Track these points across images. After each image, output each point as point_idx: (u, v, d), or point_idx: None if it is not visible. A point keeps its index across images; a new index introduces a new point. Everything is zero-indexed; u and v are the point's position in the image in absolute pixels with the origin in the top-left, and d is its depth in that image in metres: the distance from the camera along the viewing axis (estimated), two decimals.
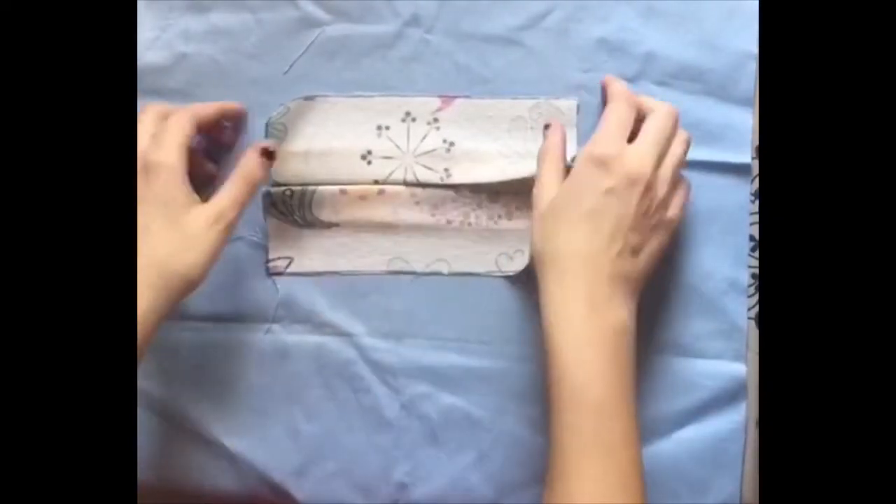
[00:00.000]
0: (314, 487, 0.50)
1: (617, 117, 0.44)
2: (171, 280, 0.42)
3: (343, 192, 0.49)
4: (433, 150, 0.49)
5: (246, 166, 0.46)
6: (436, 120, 0.49)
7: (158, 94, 0.50)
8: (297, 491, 0.50)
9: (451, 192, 0.49)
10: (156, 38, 0.50)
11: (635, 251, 0.42)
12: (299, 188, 0.49)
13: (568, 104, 0.49)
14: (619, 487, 0.38)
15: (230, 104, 0.49)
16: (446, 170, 0.49)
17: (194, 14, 0.50)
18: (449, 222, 0.50)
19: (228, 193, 0.44)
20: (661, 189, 0.42)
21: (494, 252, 0.49)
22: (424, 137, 0.49)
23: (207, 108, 0.47)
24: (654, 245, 0.43)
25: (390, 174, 0.49)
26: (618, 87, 0.46)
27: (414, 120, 0.49)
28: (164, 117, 0.45)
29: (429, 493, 0.50)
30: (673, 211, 0.43)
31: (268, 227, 0.50)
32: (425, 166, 0.49)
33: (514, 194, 0.49)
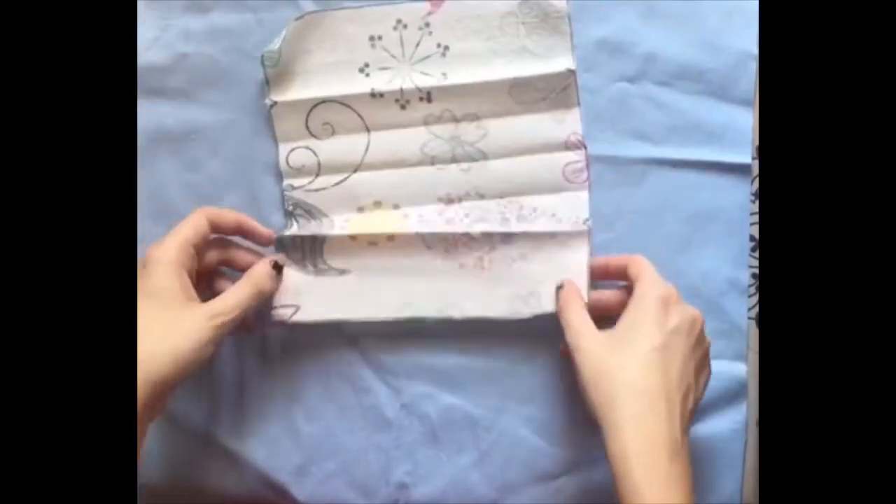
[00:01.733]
0: (314, 487, 0.50)
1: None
2: (151, 376, 0.39)
3: (353, 237, 0.48)
4: (428, 56, 0.49)
5: (256, 274, 0.45)
6: (427, 24, 0.49)
7: (158, 94, 0.50)
8: (297, 491, 0.50)
9: (463, 237, 0.48)
10: (156, 38, 0.50)
11: (693, 389, 0.42)
12: (310, 236, 0.48)
13: (559, 1, 0.48)
14: None
15: (251, 221, 0.47)
16: (444, 74, 0.48)
17: (194, 14, 0.50)
18: (462, 266, 0.48)
19: (233, 295, 0.44)
20: (704, 334, 0.44)
21: (509, 296, 0.48)
22: (418, 44, 0.49)
23: (224, 212, 0.46)
24: (703, 383, 0.43)
25: (388, 83, 0.48)
26: (620, 259, 0.46)
27: (405, 27, 0.49)
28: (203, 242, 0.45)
29: (429, 493, 0.50)
30: (707, 342, 0.44)
31: None
32: (422, 72, 0.49)
33: (526, 237, 0.48)
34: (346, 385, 0.50)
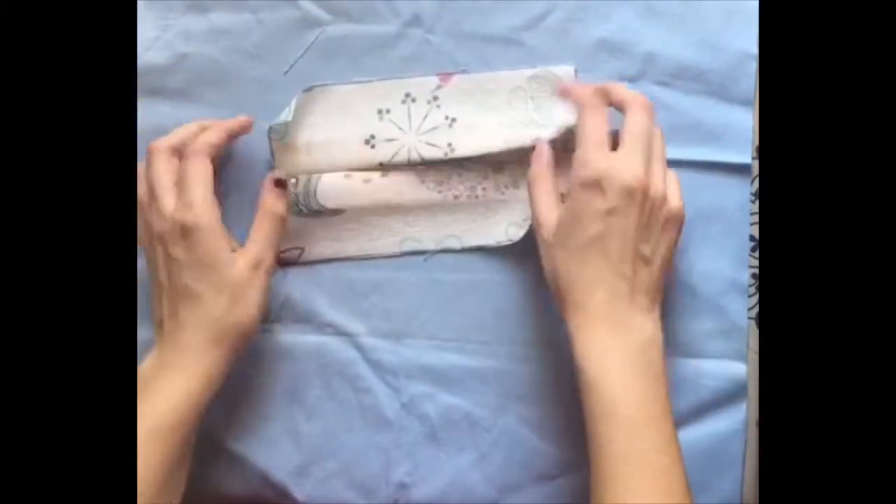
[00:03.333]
0: (314, 487, 0.50)
1: (592, 130, 0.42)
2: (231, 335, 0.44)
3: (347, 176, 0.49)
4: (435, 127, 0.49)
5: (267, 203, 0.46)
6: (435, 98, 0.49)
7: (158, 94, 0.50)
8: (297, 491, 0.50)
9: (455, 168, 0.49)
10: (156, 38, 0.50)
11: (647, 260, 0.41)
12: (304, 177, 0.49)
13: (566, 70, 0.48)
14: (658, 492, 0.39)
15: (235, 122, 0.48)
16: (449, 144, 0.49)
17: (194, 14, 0.50)
18: (456, 197, 0.49)
19: (260, 235, 0.46)
20: (657, 188, 0.42)
21: (504, 222, 0.49)
22: (426, 117, 0.49)
23: (218, 137, 0.46)
24: (664, 246, 0.42)
25: (394, 155, 0.49)
26: (582, 93, 0.45)
27: (414, 101, 0.49)
28: (174, 155, 0.44)
29: (429, 493, 0.50)
30: (674, 202, 0.42)
31: None
32: (429, 143, 0.49)
33: (519, 163, 0.49)
34: (346, 385, 0.50)
